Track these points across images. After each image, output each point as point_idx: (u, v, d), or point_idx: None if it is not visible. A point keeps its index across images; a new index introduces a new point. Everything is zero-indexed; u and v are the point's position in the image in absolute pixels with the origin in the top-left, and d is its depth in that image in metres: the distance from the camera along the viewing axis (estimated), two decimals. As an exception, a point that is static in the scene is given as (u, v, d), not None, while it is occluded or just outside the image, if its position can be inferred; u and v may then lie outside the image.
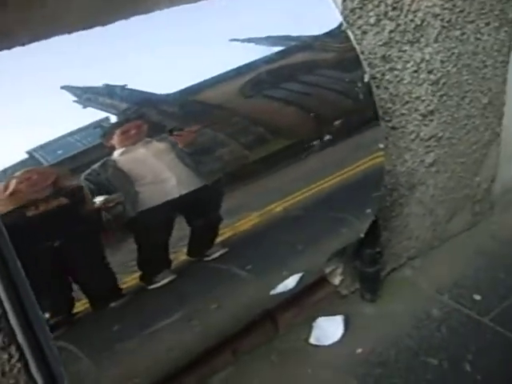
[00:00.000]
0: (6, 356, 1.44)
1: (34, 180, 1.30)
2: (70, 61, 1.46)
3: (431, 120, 2.35)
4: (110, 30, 1.52)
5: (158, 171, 1.49)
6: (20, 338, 1.42)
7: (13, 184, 1.27)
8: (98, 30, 1.49)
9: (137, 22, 1.56)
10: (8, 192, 1.27)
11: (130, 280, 1.48)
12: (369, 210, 2.05)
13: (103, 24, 1.50)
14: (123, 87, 1.47)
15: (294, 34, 1.79)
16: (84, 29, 1.46)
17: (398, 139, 2.27)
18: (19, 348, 1.44)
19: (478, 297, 2.36)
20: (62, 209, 1.32)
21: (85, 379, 1.54)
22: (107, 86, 1.46)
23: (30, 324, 1.41)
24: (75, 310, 1.40)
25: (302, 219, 1.84)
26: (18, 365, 1.46)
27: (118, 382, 1.67)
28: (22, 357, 1.46)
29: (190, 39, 1.64)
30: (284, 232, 1.82)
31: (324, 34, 1.81)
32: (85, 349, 1.46)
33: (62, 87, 1.42)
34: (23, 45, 1.38)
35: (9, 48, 1.36)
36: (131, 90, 1.48)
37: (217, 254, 1.63)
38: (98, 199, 1.36)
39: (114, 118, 1.45)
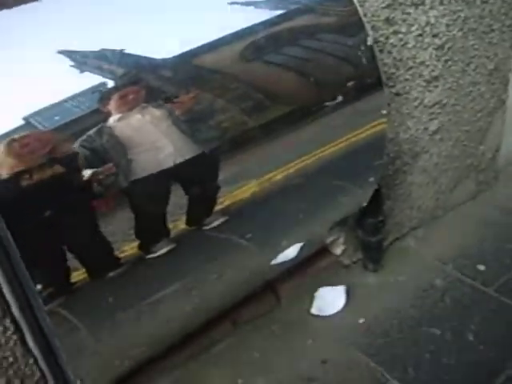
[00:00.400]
0: (0, 328, 1.42)
1: (32, 146, 1.27)
2: (62, 23, 1.42)
3: (435, 86, 2.30)
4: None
5: (154, 139, 1.45)
6: (15, 310, 1.39)
7: (15, 148, 1.24)
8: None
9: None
10: (8, 157, 1.23)
11: (128, 249, 1.45)
12: (371, 179, 2.03)
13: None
14: (121, 52, 1.44)
15: (295, -4, 1.74)
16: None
17: (401, 106, 2.22)
18: (14, 320, 1.42)
19: (482, 267, 2.33)
20: (59, 176, 1.29)
21: (84, 350, 1.52)
22: (104, 50, 1.43)
23: (25, 296, 1.38)
24: (73, 280, 1.37)
25: (303, 188, 1.80)
26: (14, 337, 1.44)
27: (116, 354, 1.66)
28: (18, 329, 1.44)
29: (189, 2, 1.60)
30: (285, 200, 1.79)
31: (326, -3, 1.76)
32: (84, 319, 1.44)
33: (59, 52, 1.38)
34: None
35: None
36: (129, 54, 1.45)
37: (216, 223, 1.61)
38: (87, 172, 1.32)
39: (111, 83, 1.41)
